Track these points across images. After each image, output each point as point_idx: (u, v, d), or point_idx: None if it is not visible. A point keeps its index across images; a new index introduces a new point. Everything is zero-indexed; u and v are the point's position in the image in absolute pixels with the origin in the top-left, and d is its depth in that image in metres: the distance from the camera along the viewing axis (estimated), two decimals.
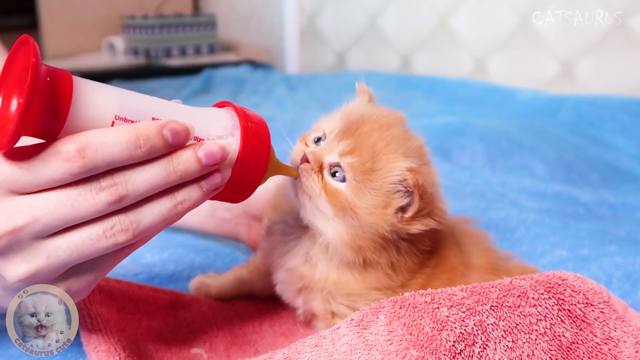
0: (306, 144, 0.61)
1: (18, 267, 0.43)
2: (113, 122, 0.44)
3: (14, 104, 0.42)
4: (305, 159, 0.58)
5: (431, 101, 1.89)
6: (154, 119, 0.45)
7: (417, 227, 0.57)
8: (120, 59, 2.65)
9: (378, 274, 0.59)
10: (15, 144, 0.41)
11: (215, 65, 2.45)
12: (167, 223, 0.47)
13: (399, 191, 0.55)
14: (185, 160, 0.45)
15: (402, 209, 0.56)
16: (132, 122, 0.44)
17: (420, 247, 0.60)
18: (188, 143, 0.46)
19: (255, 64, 2.58)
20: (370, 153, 0.57)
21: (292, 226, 0.63)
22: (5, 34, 2.55)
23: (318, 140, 0.61)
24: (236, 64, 2.55)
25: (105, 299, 0.63)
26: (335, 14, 2.48)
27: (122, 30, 2.70)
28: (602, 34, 1.76)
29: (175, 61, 2.59)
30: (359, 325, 0.49)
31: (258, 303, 0.75)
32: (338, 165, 0.57)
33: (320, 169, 0.58)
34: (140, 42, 2.61)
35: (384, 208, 0.56)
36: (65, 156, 0.41)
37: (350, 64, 2.48)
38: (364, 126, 0.59)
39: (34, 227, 0.42)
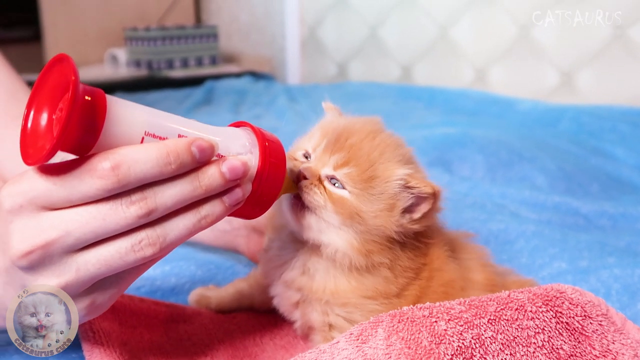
0: (296, 160, 0.62)
1: (48, 281, 0.45)
2: (142, 139, 0.45)
3: (45, 119, 0.44)
4: (302, 176, 0.59)
5: (431, 112, 1.89)
6: (179, 136, 0.47)
7: (422, 224, 0.60)
8: (123, 71, 2.67)
9: (375, 279, 0.60)
10: (50, 159, 0.42)
11: (217, 77, 2.47)
12: (191, 236, 0.48)
13: (402, 194, 0.58)
14: (210, 175, 0.47)
15: (408, 210, 0.59)
16: (161, 138, 0.46)
17: (423, 240, 0.62)
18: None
19: (256, 75, 2.59)
20: (367, 162, 0.59)
21: (288, 241, 0.64)
22: (8, 46, 2.57)
23: (306, 157, 0.63)
24: (238, 75, 2.56)
25: (108, 312, 0.63)
26: (336, 25, 2.50)
27: (125, 42, 2.72)
28: (602, 44, 1.77)
29: (177, 73, 2.60)
30: (358, 339, 0.50)
31: (259, 316, 0.75)
32: (334, 177, 0.59)
33: (320, 181, 0.59)
34: (143, 53, 2.63)
35: (389, 211, 0.58)
36: (99, 173, 0.43)
37: (351, 75, 2.49)
38: (352, 137, 0.61)
39: (66, 241, 0.43)
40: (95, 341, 0.58)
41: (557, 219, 1.07)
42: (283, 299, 0.65)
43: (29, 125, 0.44)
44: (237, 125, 0.54)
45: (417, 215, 0.59)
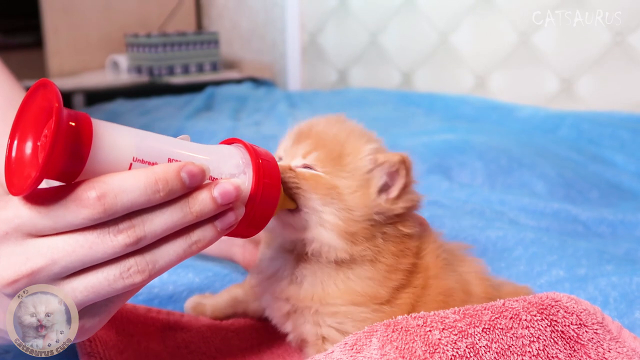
0: None
1: None
2: (131, 165, 0.44)
3: (30, 147, 0.43)
4: None
5: (431, 118, 1.89)
6: (169, 159, 0.46)
7: (401, 206, 0.59)
8: (124, 77, 2.68)
9: (362, 281, 0.59)
10: (36, 188, 0.41)
11: (217, 83, 2.47)
12: (181, 261, 0.47)
13: (374, 171, 0.58)
14: (201, 201, 0.46)
15: (384, 190, 0.59)
16: (150, 163, 0.45)
17: (404, 230, 0.61)
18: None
19: (257, 81, 2.60)
20: (334, 143, 0.60)
21: (280, 252, 0.64)
22: (10, 52, 2.58)
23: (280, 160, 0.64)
24: (238, 81, 2.57)
25: None
26: (336, 32, 2.51)
27: (126, 49, 2.73)
28: (601, 51, 1.77)
29: (178, 79, 2.61)
30: (352, 349, 0.50)
31: (257, 324, 0.75)
32: (305, 165, 0.59)
33: (292, 169, 0.59)
34: (144, 60, 2.64)
35: (366, 188, 0.58)
36: (85, 203, 0.42)
37: (352, 81, 2.50)
38: (317, 126, 0.62)
39: (52, 269, 0.43)
40: (92, 350, 0.58)
41: (556, 226, 1.07)
42: (274, 310, 0.65)
43: (13, 154, 0.43)
44: (230, 142, 0.53)
45: (393, 193, 0.58)
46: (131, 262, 0.44)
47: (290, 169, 0.59)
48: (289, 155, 0.61)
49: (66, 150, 0.41)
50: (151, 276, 0.45)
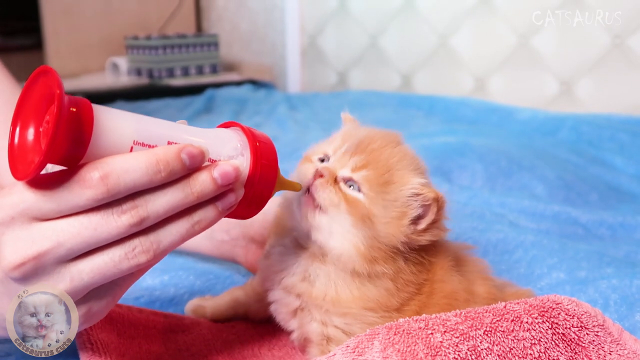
0: (312, 162, 0.63)
1: None
2: (132, 147, 0.45)
3: (32, 133, 0.44)
4: (319, 174, 0.59)
5: (431, 120, 1.90)
6: (169, 142, 0.47)
7: (427, 238, 0.60)
8: (124, 79, 2.68)
9: (378, 290, 0.60)
10: (40, 172, 0.42)
11: (217, 85, 2.47)
12: (185, 241, 0.48)
13: (413, 203, 0.58)
14: (201, 182, 0.47)
15: (414, 221, 0.59)
16: (150, 146, 0.46)
17: (426, 257, 0.62)
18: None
19: (257, 84, 2.60)
20: (385, 167, 0.60)
21: (290, 247, 0.64)
22: (10, 54, 2.58)
23: (322, 160, 0.63)
24: (238, 83, 2.57)
25: (106, 323, 0.64)
26: (336, 34, 2.51)
27: (126, 51, 2.73)
28: (601, 53, 1.77)
29: (178, 81, 2.61)
30: (354, 352, 0.50)
31: (257, 326, 0.76)
32: (351, 179, 0.59)
33: (336, 181, 0.59)
34: (144, 62, 2.64)
35: (399, 219, 0.58)
36: (88, 184, 0.43)
37: (352, 84, 2.50)
38: (374, 143, 0.62)
39: (58, 251, 0.44)
40: (94, 352, 0.58)
41: (556, 228, 1.07)
42: (281, 305, 0.64)
43: (16, 140, 0.44)
44: (227, 125, 0.54)
45: (421, 225, 0.59)
46: (135, 242, 0.45)
47: (336, 181, 0.59)
48: (339, 162, 0.61)
49: (68, 136, 0.42)
50: (156, 256, 0.46)
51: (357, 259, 0.58)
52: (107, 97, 2.24)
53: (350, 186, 0.59)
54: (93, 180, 0.43)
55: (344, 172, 0.60)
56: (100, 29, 2.83)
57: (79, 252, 0.44)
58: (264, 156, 0.51)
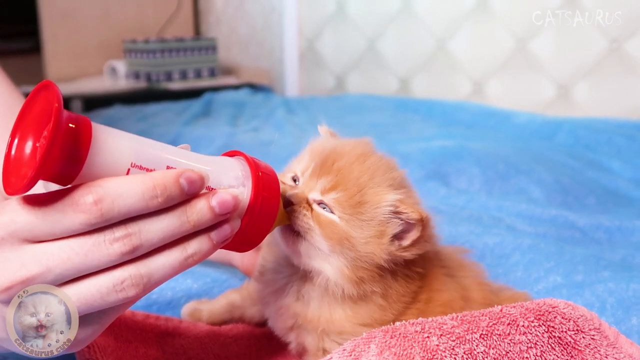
0: (285, 184, 0.61)
1: None
2: (129, 170, 0.44)
3: (29, 147, 0.42)
4: (289, 202, 0.57)
5: (429, 124, 1.90)
6: (168, 167, 0.45)
7: (413, 253, 0.58)
8: (122, 83, 2.68)
9: (370, 307, 0.59)
10: (31, 188, 0.40)
11: (215, 89, 2.48)
12: (176, 275, 0.46)
13: (392, 221, 0.57)
14: (199, 210, 0.45)
15: (397, 237, 0.57)
16: (148, 169, 0.44)
17: (414, 269, 0.61)
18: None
19: (255, 87, 2.60)
20: (356, 187, 0.58)
21: (284, 265, 0.64)
22: (8, 57, 2.58)
23: (295, 180, 0.62)
24: (236, 87, 2.57)
25: None
26: (334, 38, 2.51)
27: (124, 54, 2.73)
28: (598, 58, 1.78)
29: (176, 85, 2.61)
30: (350, 355, 0.50)
31: (255, 329, 0.76)
32: (322, 202, 0.58)
33: (309, 204, 0.58)
34: (142, 66, 2.64)
35: (379, 237, 0.57)
36: (82, 207, 0.41)
37: (350, 87, 2.50)
38: (340, 160, 0.59)
39: (47, 277, 0.42)
40: (90, 356, 0.58)
41: (553, 232, 1.07)
42: (278, 322, 0.65)
43: (13, 152, 0.43)
44: (231, 154, 0.53)
45: (406, 242, 0.57)
46: (125, 274, 0.43)
47: (308, 203, 0.58)
48: (307, 185, 0.59)
49: (64, 152, 0.40)
50: (145, 290, 0.44)
51: (344, 283, 0.57)
52: (105, 101, 2.24)
53: (323, 208, 0.58)
54: (87, 204, 0.41)
55: (314, 195, 0.58)
56: (98, 33, 2.83)
57: (67, 279, 0.43)
58: (266, 189, 0.50)
